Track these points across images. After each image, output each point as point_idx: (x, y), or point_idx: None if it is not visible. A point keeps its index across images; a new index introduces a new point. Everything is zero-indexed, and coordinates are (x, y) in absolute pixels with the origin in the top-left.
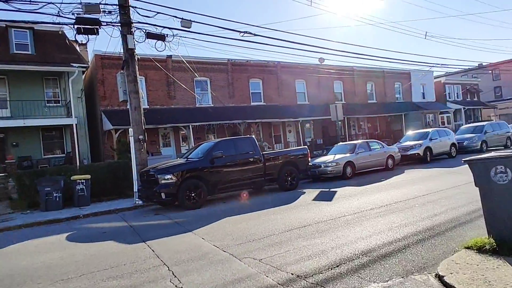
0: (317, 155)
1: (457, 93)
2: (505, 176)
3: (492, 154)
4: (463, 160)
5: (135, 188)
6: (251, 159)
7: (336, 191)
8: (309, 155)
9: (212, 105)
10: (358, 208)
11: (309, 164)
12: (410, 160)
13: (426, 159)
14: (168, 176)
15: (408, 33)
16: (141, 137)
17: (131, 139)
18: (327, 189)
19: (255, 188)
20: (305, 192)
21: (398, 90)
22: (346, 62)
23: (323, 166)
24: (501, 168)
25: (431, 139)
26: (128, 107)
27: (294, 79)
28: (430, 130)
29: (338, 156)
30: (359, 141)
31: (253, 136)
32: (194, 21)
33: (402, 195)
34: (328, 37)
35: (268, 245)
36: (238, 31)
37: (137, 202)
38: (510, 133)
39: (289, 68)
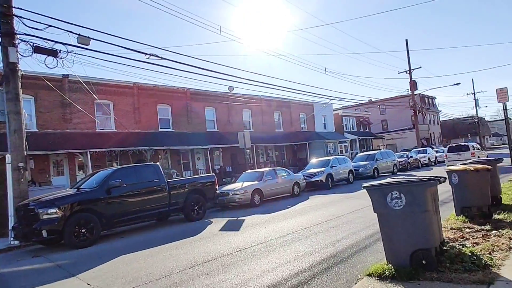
0: (226, 182)
1: (352, 125)
2: (400, 201)
3: (388, 180)
4: (363, 187)
5: (10, 226)
6: (155, 188)
7: (244, 220)
8: (216, 182)
9: (115, 131)
10: (265, 237)
11: (217, 192)
12: (314, 187)
13: (328, 185)
14: (52, 210)
15: (311, 67)
16: (21, 164)
17: (8, 167)
18: (235, 218)
19: (160, 219)
20: (212, 222)
21: (303, 120)
22: (255, 91)
23: (231, 194)
24: (396, 193)
25: (332, 167)
26: (6, 129)
27: (204, 106)
28: (331, 158)
29: (246, 184)
30: (267, 168)
31: (158, 163)
32: (93, 39)
33: (307, 221)
34: (237, 66)
35: (166, 287)
36: (144, 53)
37: (12, 243)
38: (396, 160)
39: (199, 95)
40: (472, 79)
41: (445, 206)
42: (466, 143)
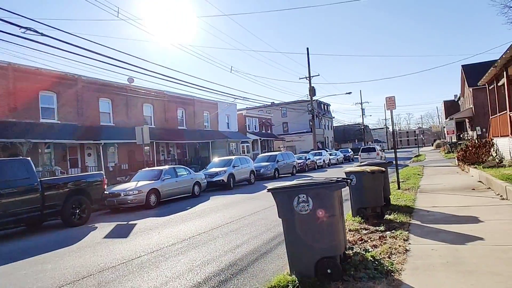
0: (121, 181)
1: (255, 125)
2: (307, 205)
3: (295, 182)
4: (267, 189)
5: None
6: (24, 188)
7: (135, 224)
8: (105, 181)
9: None
10: (157, 244)
11: (106, 192)
12: (216, 187)
13: (230, 185)
14: None
15: (218, 64)
16: None
17: None
18: (125, 222)
19: (30, 225)
20: (96, 228)
21: (206, 118)
22: (159, 85)
23: (123, 195)
24: (303, 197)
25: (234, 166)
26: None
27: (98, 97)
28: (233, 157)
29: (141, 183)
30: (166, 167)
31: (29, 158)
32: None
33: (206, 225)
34: (140, 55)
35: None
36: (19, 26)
37: None
38: (295, 162)
39: (93, 84)
40: (360, 90)
41: None
42: (373, 146)
